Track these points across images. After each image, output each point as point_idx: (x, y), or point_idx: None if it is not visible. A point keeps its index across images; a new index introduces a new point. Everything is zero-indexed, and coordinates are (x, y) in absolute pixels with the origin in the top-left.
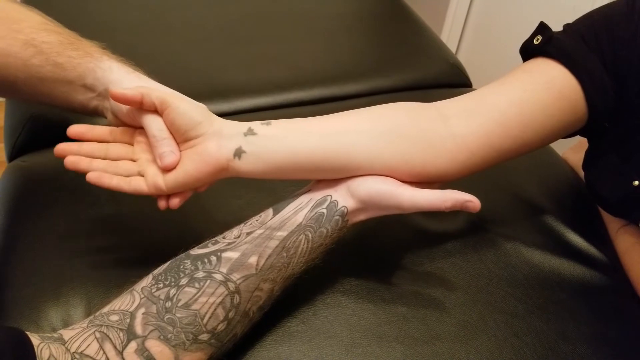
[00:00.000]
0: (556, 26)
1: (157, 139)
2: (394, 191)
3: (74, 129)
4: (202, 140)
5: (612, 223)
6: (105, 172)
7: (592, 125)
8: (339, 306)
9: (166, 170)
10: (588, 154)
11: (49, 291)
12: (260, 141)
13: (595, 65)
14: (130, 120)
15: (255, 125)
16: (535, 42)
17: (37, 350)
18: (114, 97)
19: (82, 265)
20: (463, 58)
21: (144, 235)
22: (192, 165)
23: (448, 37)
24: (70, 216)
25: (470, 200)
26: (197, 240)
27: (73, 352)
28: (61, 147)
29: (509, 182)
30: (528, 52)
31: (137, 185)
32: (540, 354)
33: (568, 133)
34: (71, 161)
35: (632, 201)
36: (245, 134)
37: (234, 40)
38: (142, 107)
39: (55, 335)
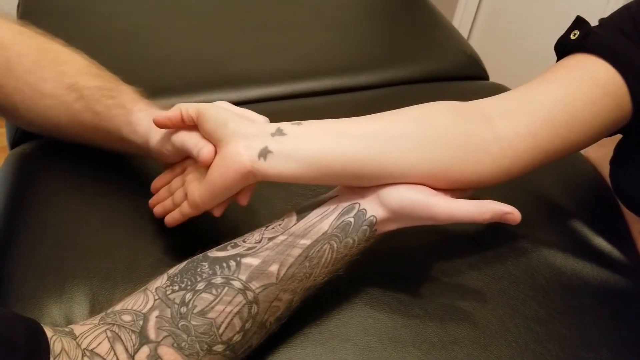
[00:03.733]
0: (565, 18)
1: (197, 147)
2: (428, 201)
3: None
4: (225, 142)
5: (636, 224)
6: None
7: (636, 121)
8: (354, 308)
9: (206, 164)
10: (618, 149)
11: (52, 287)
12: (290, 141)
13: (638, 58)
14: (174, 154)
15: (285, 125)
16: (572, 37)
17: (50, 343)
18: (159, 125)
19: (87, 260)
20: (474, 48)
21: (153, 230)
22: (217, 172)
23: (459, 27)
24: (74, 207)
25: (510, 212)
26: (210, 239)
27: (84, 349)
28: (156, 209)
29: (529, 181)
30: (565, 48)
31: (184, 210)
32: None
33: (614, 129)
34: (167, 221)
35: None
36: (273, 134)
37: (246, 28)
38: (183, 122)
39: (67, 329)
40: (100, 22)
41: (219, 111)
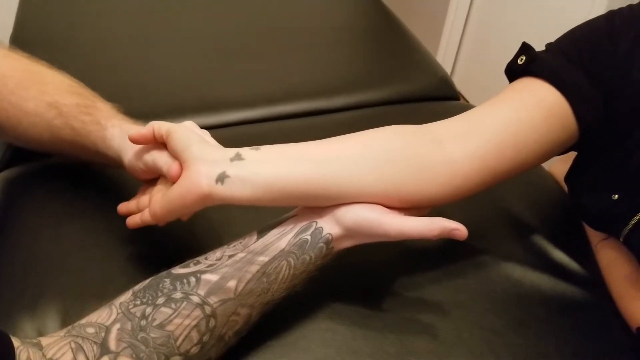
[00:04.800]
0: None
1: (167, 164)
2: (381, 220)
3: (122, 209)
4: (188, 165)
5: (594, 237)
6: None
7: (583, 140)
8: (314, 322)
9: (173, 180)
10: (572, 166)
11: (27, 303)
12: (247, 166)
13: (581, 81)
14: (145, 171)
15: (244, 150)
16: (519, 62)
17: (17, 352)
18: (133, 141)
19: (61, 278)
20: (460, 72)
21: (126, 250)
22: (177, 191)
23: (445, 51)
24: (51, 229)
25: (457, 229)
26: (178, 257)
27: (48, 359)
28: (122, 209)
29: (493, 197)
30: (513, 72)
31: (144, 217)
32: None
33: (562, 150)
34: (130, 221)
35: (612, 215)
36: (232, 159)
37: (224, 54)
38: (155, 140)
39: (34, 341)
40: (86, 50)
41: (186, 133)
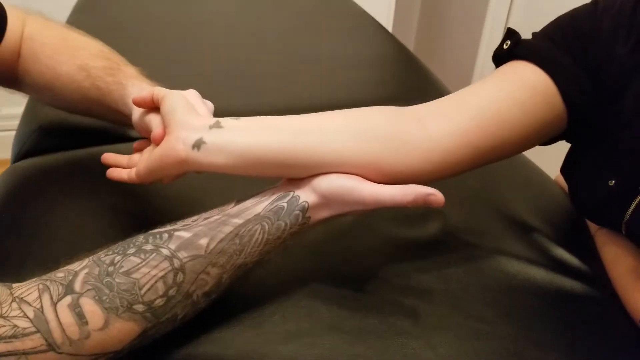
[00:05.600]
0: None
1: (157, 127)
2: (356, 186)
3: (104, 158)
4: (170, 130)
5: (600, 237)
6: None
7: (574, 124)
8: (292, 299)
9: (156, 143)
10: (567, 158)
11: (13, 270)
12: (224, 134)
13: (566, 61)
14: (146, 131)
15: (225, 119)
16: (504, 47)
17: None
18: (135, 103)
19: (53, 250)
20: None
21: (124, 232)
22: (157, 154)
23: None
24: (54, 211)
25: (432, 194)
26: None
27: (15, 297)
28: (105, 156)
29: (493, 197)
30: (499, 58)
31: (130, 174)
32: (507, 356)
33: (551, 133)
34: (110, 171)
35: (610, 203)
36: (211, 127)
37: (238, 71)
38: (153, 104)
39: (7, 284)
40: None
41: (175, 99)
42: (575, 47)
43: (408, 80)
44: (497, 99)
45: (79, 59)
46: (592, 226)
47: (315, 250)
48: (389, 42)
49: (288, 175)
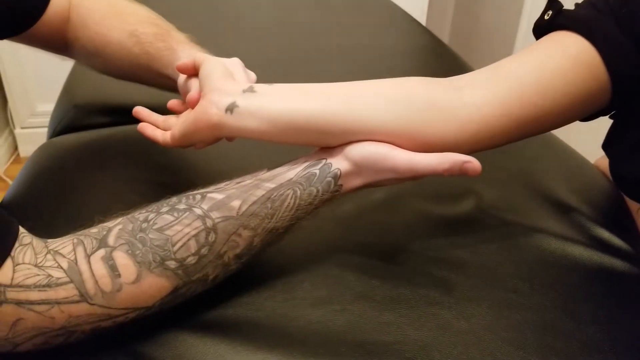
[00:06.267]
0: None
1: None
2: (389, 152)
3: (137, 110)
4: (204, 94)
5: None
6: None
7: (619, 96)
8: (322, 267)
9: (191, 107)
10: (609, 133)
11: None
12: (257, 98)
13: (610, 28)
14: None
15: (258, 85)
16: (546, 17)
17: (20, 235)
18: (179, 70)
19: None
20: None
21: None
22: (191, 118)
23: None
24: (86, 187)
25: (468, 161)
26: None
27: (50, 249)
28: (137, 109)
29: (532, 178)
30: (540, 29)
31: (165, 136)
32: (540, 327)
33: (594, 106)
34: (142, 126)
35: None
36: (245, 91)
37: (269, 64)
38: (195, 70)
39: (43, 239)
40: None
41: (212, 65)
42: (621, 16)
43: (442, 70)
44: (537, 68)
45: (129, 24)
46: (634, 206)
47: (347, 223)
48: (422, 34)
49: (320, 142)
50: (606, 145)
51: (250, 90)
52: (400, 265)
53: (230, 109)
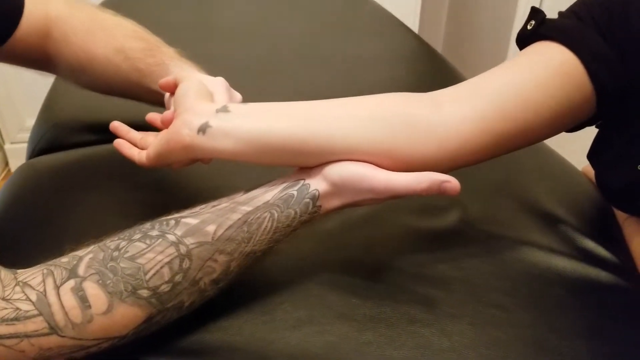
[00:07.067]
0: None
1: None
2: (367, 173)
3: (115, 126)
4: (177, 114)
5: (629, 227)
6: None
7: (602, 107)
8: (304, 286)
9: (164, 126)
10: (594, 143)
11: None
12: (231, 118)
13: (593, 38)
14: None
15: (232, 104)
16: (529, 27)
17: None
18: (161, 87)
19: (65, 242)
20: None
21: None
22: (164, 138)
23: None
24: (66, 206)
25: (447, 181)
26: None
27: (19, 281)
28: (115, 125)
29: (517, 188)
30: (524, 39)
31: (141, 156)
32: (522, 344)
33: (578, 117)
34: (119, 143)
35: (637, 188)
36: (218, 111)
37: (257, 70)
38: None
39: (12, 270)
40: None
41: (190, 84)
42: (604, 26)
43: (434, 79)
44: (518, 81)
45: (115, 39)
46: (621, 215)
47: (329, 238)
48: (414, 42)
49: (297, 163)
50: (591, 155)
51: (224, 110)
52: (382, 283)
53: (203, 129)
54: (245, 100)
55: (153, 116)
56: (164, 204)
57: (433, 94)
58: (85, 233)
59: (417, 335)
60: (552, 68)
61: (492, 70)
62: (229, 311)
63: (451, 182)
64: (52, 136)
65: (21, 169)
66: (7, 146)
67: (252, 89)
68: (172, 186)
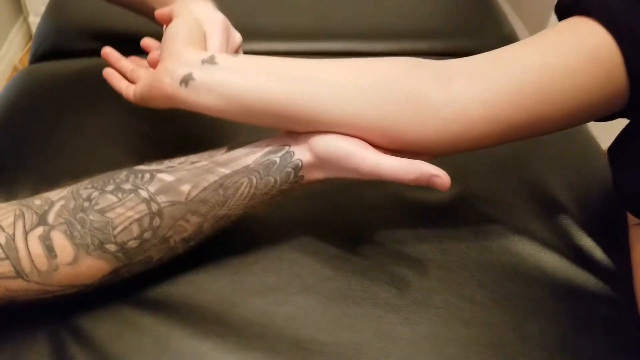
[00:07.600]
0: None
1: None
2: (355, 152)
3: (106, 52)
4: (161, 59)
5: (634, 229)
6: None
7: (634, 100)
8: (276, 250)
9: (151, 66)
10: (618, 137)
11: (6, 179)
12: (217, 71)
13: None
14: None
15: (221, 55)
16: None
17: None
18: (157, 18)
19: (47, 161)
20: None
21: (125, 147)
22: (147, 82)
23: None
24: (61, 119)
25: (437, 175)
26: None
27: None
28: (107, 51)
29: (526, 170)
30: (563, 9)
31: (128, 92)
32: (483, 346)
33: (606, 110)
34: (108, 73)
35: None
36: (204, 62)
37: None
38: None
39: None
40: None
41: (180, 24)
42: None
43: (468, 12)
44: (542, 64)
45: None
46: (631, 219)
47: (312, 200)
48: None
49: (284, 128)
50: (613, 149)
51: (211, 61)
52: (359, 256)
53: (185, 81)
54: (251, 19)
55: (148, 42)
56: (159, 139)
57: (445, 65)
58: (76, 162)
59: (380, 320)
60: (583, 53)
61: (517, 45)
62: (199, 265)
63: (441, 177)
64: (55, 39)
65: (21, 75)
66: (31, 19)
67: (259, 5)
68: (168, 119)
